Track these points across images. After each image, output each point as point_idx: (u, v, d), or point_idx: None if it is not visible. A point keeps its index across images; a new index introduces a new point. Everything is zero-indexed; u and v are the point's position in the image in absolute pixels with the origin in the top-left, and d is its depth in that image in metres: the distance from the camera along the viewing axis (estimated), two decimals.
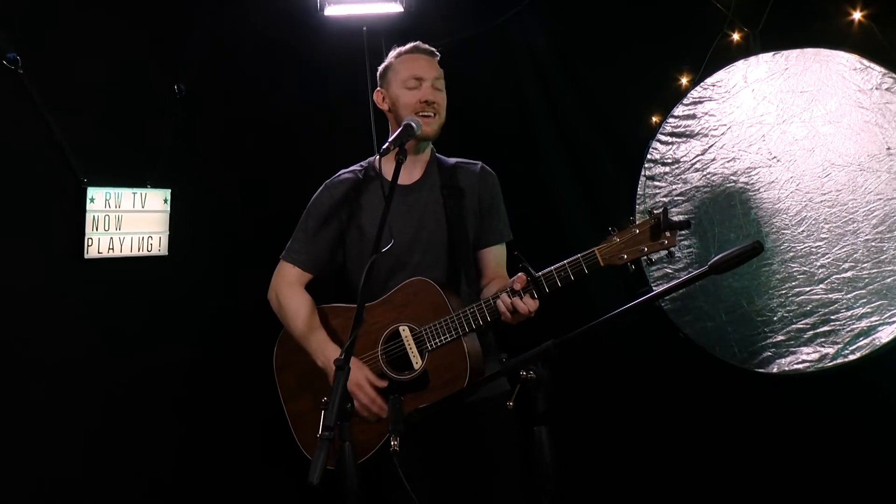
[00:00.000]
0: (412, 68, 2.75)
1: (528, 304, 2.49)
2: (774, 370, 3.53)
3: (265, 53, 4.04)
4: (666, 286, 2.26)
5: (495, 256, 2.86)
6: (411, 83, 2.73)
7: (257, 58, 4.03)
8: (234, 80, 3.98)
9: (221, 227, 3.97)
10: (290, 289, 2.84)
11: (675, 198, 3.76)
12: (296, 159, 4.13)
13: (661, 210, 2.35)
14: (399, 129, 2.59)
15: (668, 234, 2.39)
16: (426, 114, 2.71)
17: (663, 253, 2.44)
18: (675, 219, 2.40)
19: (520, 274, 2.52)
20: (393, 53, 2.83)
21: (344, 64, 4.07)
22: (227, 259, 3.97)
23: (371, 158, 2.95)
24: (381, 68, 2.85)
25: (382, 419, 2.61)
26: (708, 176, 3.71)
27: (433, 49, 2.84)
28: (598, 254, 2.44)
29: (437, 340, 2.62)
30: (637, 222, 2.40)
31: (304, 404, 2.83)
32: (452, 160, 2.93)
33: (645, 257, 2.40)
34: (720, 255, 2.15)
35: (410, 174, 2.82)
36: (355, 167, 2.93)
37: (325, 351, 2.71)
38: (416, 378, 2.64)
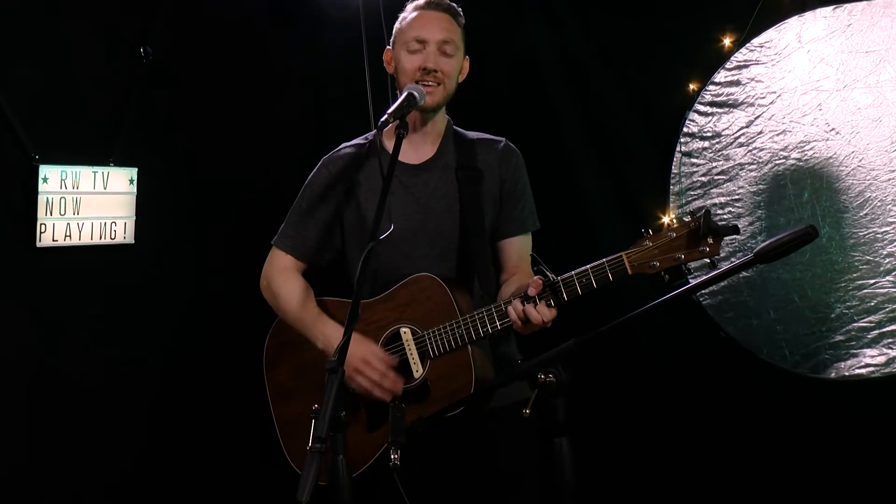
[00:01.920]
0: (416, 27, 2.72)
1: (541, 314, 2.49)
2: (832, 375, 3.54)
3: (247, 10, 4.06)
4: (704, 277, 2.27)
5: (517, 249, 2.84)
6: (413, 45, 2.71)
7: (238, 15, 4.03)
8: (212, 41, 3.98)
9: (198, 211, 3.98)
10: (283, 274, 2.86)
11: (716, 177, 3.78)
12: (284, 133, 4.13)
13: (702, 213, 2.34)
14: (399, 99, 2.58)
15: (710, 240, 2.35)
16: (427, 83, 2.68)
17: (703, 262, 2.43)
18: (721, 223, 2.38)
19: (536, 278, 2.52)
20: (408, 7, 2.82)
21: (339, 21, 4.07)
22: (204, 248, 3.99)
23: (375, 131, 2.87)
24: (395, 25, 2.84)
25: (382, 427, 2.64)
26: (754, 152, 3.72)
27: (453, 5, 2.80)
28: (625, 260, 2.43)
29: (441, 347, 2.63)
30: (674, 225, 2.39)
31: (295, 408, 2.84)
32: (473, 135, 2.87)
33: (681, 266, 2.39)
34: (768, 242, 2.13)
35: (419, 151, 2.80)
36: (358, 140, 2.91)
37: (326, 331, 2.73)
38: (416, 388, 2.66)
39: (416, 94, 2.61)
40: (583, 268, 2.50)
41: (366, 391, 2.67)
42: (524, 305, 2.50)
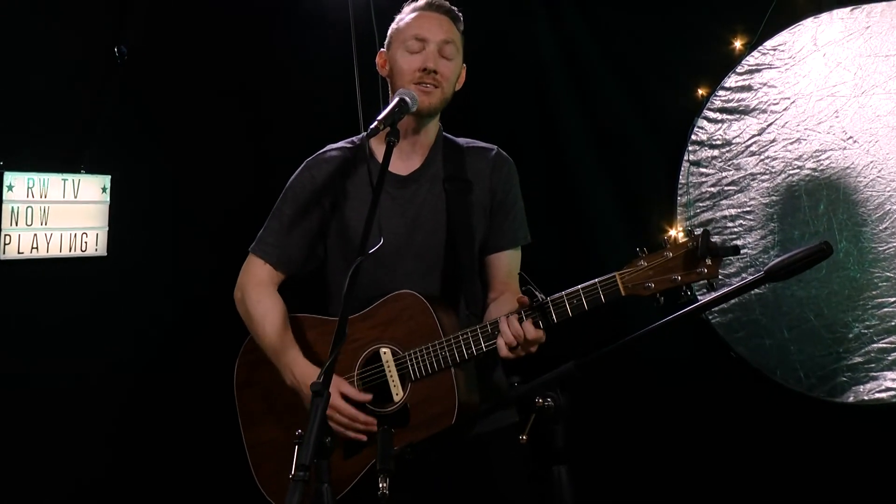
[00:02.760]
0: (416, 27, 2.73)
1: (527, 332, 2.48)
2: (850, 399, 3.55)
3: (229, 7, 4.07)
4: (713, 295, 2.28)
5: (506, 264, 2.83)
6: (413, 45, 2.71)
7: (220, 13, 4.05)
8: (191, 39, 3.99)
9: (176, 222, 3.99)
10: (258, 290, 2.85)
11: (726, 188, 3.79)
12: (269, 137, 4.14)
13: (701, 232, 2.35)
14: (390, 105, 2.57)
15: (708, 261, 2.36)
16: (425, 84, 2.68)
17: (701, 283, 2.44)
18: (719, 243, 2.39)
19: (520, 296, 2.53)
20: (406, 9, 2.82)
21: (326, 20, 4.08)
22: (182, 261, 3.99)
23: (364, 134, 2.84)
24: (390, 28, 2.84)
25: (368, 444, 2.65)
26: (766, 161, 3.74)
27: (452, 8, 2.81)
28: (619, 280, 2.43)
29: (423, 369, 2.62)
30: (670, 244, 2.41)
31: (266, 431, 2.81)
32: (463, 142, 2.87)
33: (679, 288, 2.40)
34: (779, 259, 2.13)
35: (407, 162, 2.80)
36: (345, 143, 2.90)
37: (295, 368, 2.72)
38: (396, 412, 2.65)
39: (407, 99, 2.61)
40: (573, 288, 2.50)
41: (338, 432, 2.67)
42: (510, 326, 2.51)
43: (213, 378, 3.70)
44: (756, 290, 3.62)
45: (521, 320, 2.53)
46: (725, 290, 2.25)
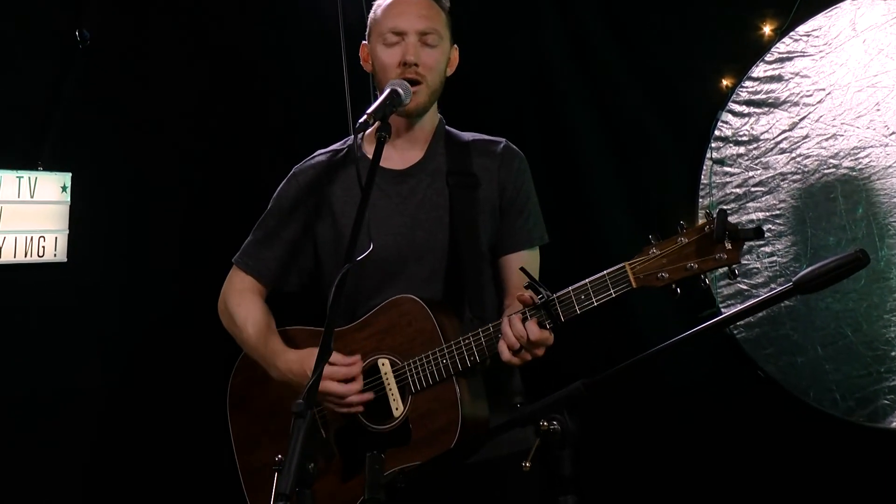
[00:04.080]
0: (392, 17, 2.76)
1: (531, 333, 2.48)
2: (893, 425, 3.56)
3: None
4: (738, 308, 2.28)
5: (522, 265, 2.76)
6: (390, 38, 2.74)
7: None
8: (161, 24, 4.01)
9: (141, 225, 4.00)
10: (240, 295, 2.93)
11: (753, 189, 3.80)
12: (245, 134, 4.16)
13: (717, 213, 2.34)
14: (381, 97, 2.60)
15: (728, 244, 2.34)
16: (409, 80, 2.70)
17: (721, 271, 2.43)
18: (738, 224, 2.38)
19: (523, 293, 2.53)
20: None
21: (312, 7, 4.07)
22: (148, 267, 4.01)
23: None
24: (369, 16, 2.86)
25: (360, 472, 2.67)
26: (798, 159, 3.75)
27: None
28: (629, 270, 2.43)
29: (424, 380, 2.65)
30: (685, 229, 2.39)
31: (263, 456, 2.84)
32: (468, 136, 2.90)
33: (696, 277, 2.39)
34: (811, 269, 2.13)
35: (405, 155, 2.83)
36: (335, 146, 2.94)
37: (279, 360, 2.79)
38: (396, 429, 2.68)
39: (400, 90, 2.62)
40: (580, 283, 2.51)
41: (339, 409, 2.72)
42: (512, 326, 2.52)
43: (187, 397, 3.73)
44: (786, 303, 3.65)
45: (524, 320, 2.54)
46: (751, 302, 2.25)
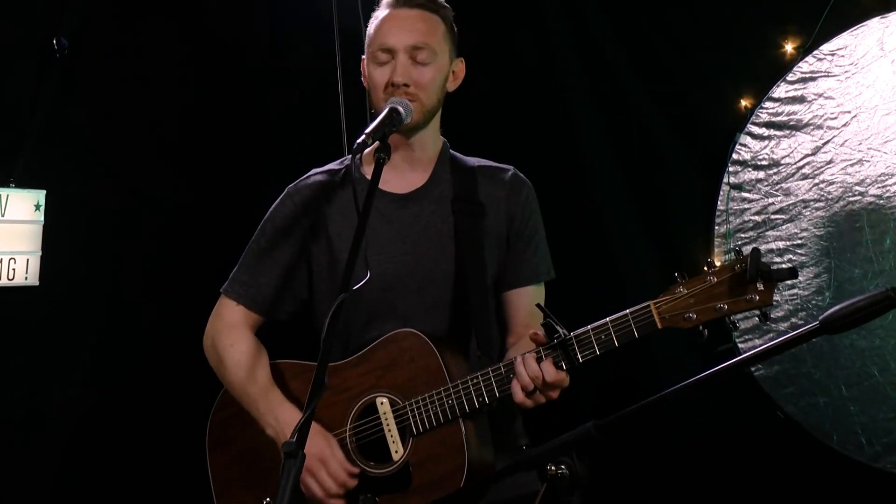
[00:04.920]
0: (382, 34, 2.76)
1: (547, 374, 2.49)
2: None
3: None
4: (757, 350, 2.27)
5: (527, 302, 2.84)
6: (380, 56, 2.75)
7: (174, 3, 4.10)
8: (142, 34, 4.02)
9: (118, 247, 4.00)
10: (232, 333, 2.87)
11: (773, 216, 3.81)
12: (232, 151, 4.17)
13: (750, 252, 2.35)
14: (380, 116, 2.60)
15: (760, 286, 2.36)
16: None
17: (752, 314, 2.44)
18: (772, 265, 2.39)
19: (536, 332, 2.53)
20: (382, 3, 2.83)
21: (307, 17, 4.09)
22: (125, 292, 4.01)
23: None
24: (368, 27, 2.85)
25: (366, 493, 2.65)
26: (822, 186, 3.77)
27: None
28: (654, 310, 2.44)
29: (427, 422, 2.63)
30: (715, 267, 2.41)
31: (243, 501, 2.83)
32: (474, 161, 2.90)
33: (724, 319, 2.40)
34: (838, 308, 2.13)
35: (407, 179, 2.83)
36: (332, 165, 2.93)
37: (278, 413, 2.73)
38: (395, 473, 2.66)
39: (401, 109, 2.62)
40: (601, 321, 2.50)
41: (314, 497, 2.68)
42: (526, 366, 2.51)
43: (162, 428, 3.72)
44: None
45: (539, 359, 2.53)
46: (773, 343, 2.24)
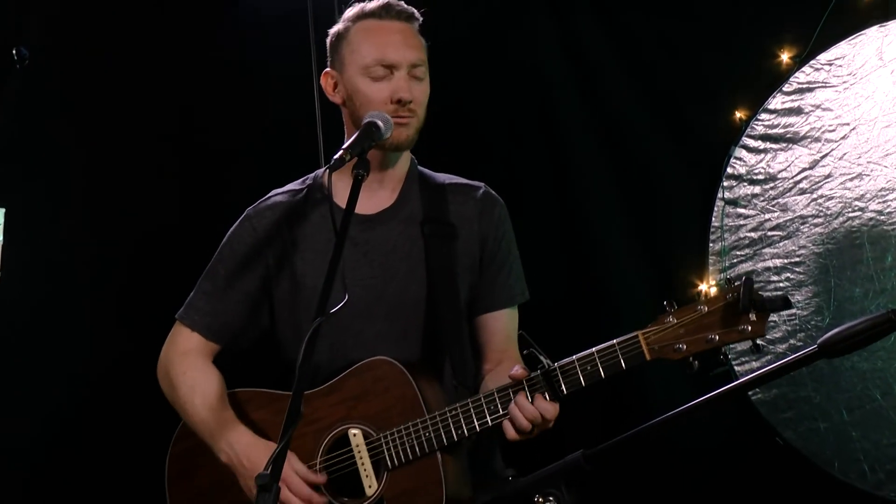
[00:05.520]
0: (379, 48, 2.74)
1: (545, 412, 2.50)
2: None
3: (152, 3, 4.10)
4: (754, 375, 2.28)
5: (504, 326, 2.86)
6: (377, 71, 2.73)
7: (140, 10, 4.08)
8: (105, 41, 4.01)
9: (82, 268, 3.99)
10: (185, 360, 2.87)
11: (769, 233, 3.82)
12: (198, 168, 4.16)
13: (742, 281, 2.37)
14: (358, 132, 2.61)
15: (752, 316, 2.38)
16: (399, 116, 2.71)
17: (743, 345, 2.46)
18: (765, 294, 2.40)
19: (518, 368, 2.54)
20: (350, 13, 2.82)
21: (277, 23, 4.11)
22: (88, 316, 3.99)
23: (318, 172, 2.94)
24: (331, 35, 2.85)
25: None
26: (820, 201, 3.78)
27: (412, 11, 2.83)
28: (643, 341, 2.45)
29: (403, 455, 2.63)
30: (705, 296, 2.42)
31: None
32: (443, 177, 2.91)
33: (715, 349, 2.42)
34: (837, 331, 2.15)
35: (375, 198, 2.82)
36: (293, 185, 2.94)
37: (232, 438, 2.72)
38: None
39: (380, 123, 2.62)
40: (586, 352, 2.51)
41: None
42: (518, 404, 2.51)
43: (126, 465, 3.70)
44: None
45: (530, 397, 2.53)
46: (771, 367, 2.27)
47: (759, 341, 2.42)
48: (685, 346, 2.44)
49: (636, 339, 2.48)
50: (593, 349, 2.52)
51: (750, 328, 2.40)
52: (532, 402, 2.53)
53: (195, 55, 4.17)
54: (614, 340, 2.50)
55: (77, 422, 3.97)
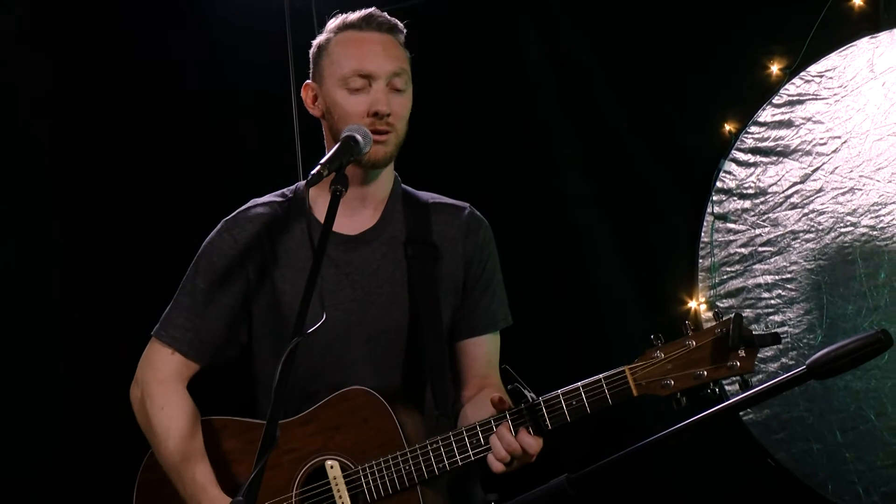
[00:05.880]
0: (357, 58, 2.74)
1: (527, 445, 2.50)
2: None
3: (126, 6, 4.10)
4: (744, 395, 2.30)
5: (485, 352, 2.87)
6: (355, 82, 2.72)
7: (111, 12, 4.08)
8: (73, 56, 4.01)
9: (51, 287, 3.99)
10: (164, 389, 2.81)
11: (760, 249, 3.83)
12: (175, 181, 4.16)
13: (732, 317, 2.38)
14: (337, 146, 2.59)
15: (742, 352, 2.40)
16: (377, 131, 2.70)
17: (732, 381, 2.47)
18: (755, 330, 2.42)
19: (498, 396, 2.54)
20: (332, 24, 2.82)
21: (256, 33, 4.12)
22: (58, 337, 3.98)
23: (300, 184, 2.91)
24: (313, 46, 2.86)
25: None
26: (811, 216, 3.79)
27: (395, 22, 2.82)
28: (630, 377, 2.47)
29: (382, 488, 2.62)
30: (692, 331, 2.44)
31: None
32: (426, 196, 2.91)
33: (703, 385, 2.43)
34: (826, 351, 2.16)
35: (356, 218, 2.82)
36: (273, 196, 2.92)
37: (204, 497, 2.69)
38: None
39: (358, 137, 2.61)
40: (572, 386, 2.52)
41: None
42: (501, 437, 2.51)
43: (95, 482, 3.68)
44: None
45: (513, 431, 2.54)
46: (760, 388, 2.27)
47: (746, 377, 2.43)
48: (673, 382, 2.47)
49: (623, 375, 2.50)
50: (579, 384, 2.52)
51: (739, 364, 2.43)
52: (515, 436, 2.53)
53: (167, 68, 4.18)
54: (601, 375, 2.51)
55: (43, 437, 3.95)
